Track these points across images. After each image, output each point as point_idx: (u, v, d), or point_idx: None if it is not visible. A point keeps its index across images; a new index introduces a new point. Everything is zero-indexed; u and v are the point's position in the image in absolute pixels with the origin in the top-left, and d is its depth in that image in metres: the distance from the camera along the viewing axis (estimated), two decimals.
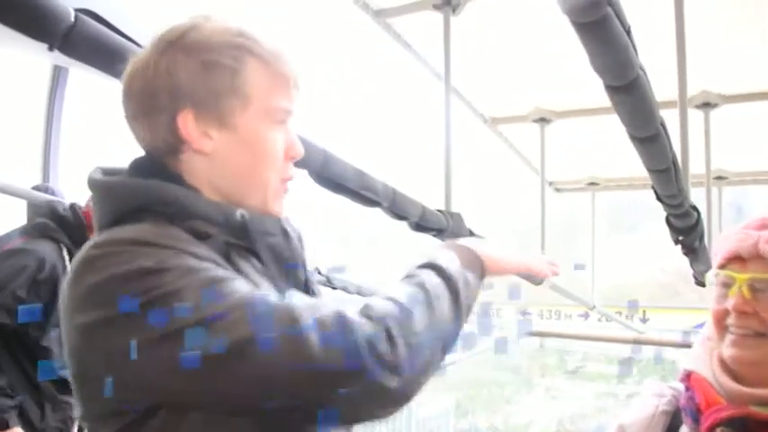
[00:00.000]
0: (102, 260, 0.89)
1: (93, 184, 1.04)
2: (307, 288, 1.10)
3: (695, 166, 4.37)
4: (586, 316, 10.35)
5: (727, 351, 1.21)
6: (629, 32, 1.40)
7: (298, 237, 1.11)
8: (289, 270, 1.07)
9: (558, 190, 6.24)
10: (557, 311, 11.97)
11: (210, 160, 1.03)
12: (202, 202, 1.00)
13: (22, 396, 2.38)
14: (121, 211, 0.99)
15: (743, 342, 1.19)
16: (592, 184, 6.08)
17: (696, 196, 4.55)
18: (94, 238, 0.96)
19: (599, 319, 9.59)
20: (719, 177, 5.48)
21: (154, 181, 1.00)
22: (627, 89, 1.54)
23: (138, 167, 1.05)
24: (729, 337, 1.21)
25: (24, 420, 2.40)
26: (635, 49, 1.48)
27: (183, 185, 1.02)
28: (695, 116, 4.23)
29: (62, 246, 2.60)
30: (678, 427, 1.29)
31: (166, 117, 1.01)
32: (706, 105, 4.19)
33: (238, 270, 0.97)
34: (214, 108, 1.01)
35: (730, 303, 1.20)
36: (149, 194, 0.99)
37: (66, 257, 2.57)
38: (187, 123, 1.01)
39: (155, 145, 1.04)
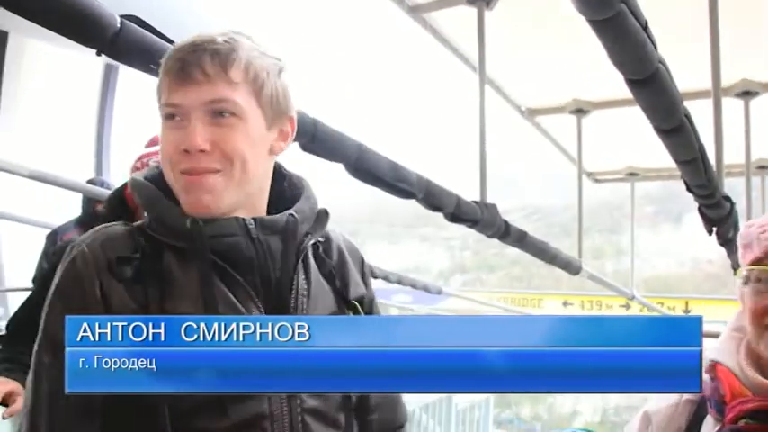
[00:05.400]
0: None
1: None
2: (280, 282, 1.13)
3: (737, 156, 4.34)
4: (628, 306, 10.25)
5: None
6: (645, 27, 1.45)
7: (279, 233, 1.14)
8: (254, 267, 1.11)
9: (596, 180, 6.21)
10: (598, 302, 11.88)
11: None
12: (162, 206, 1.12)
13: None
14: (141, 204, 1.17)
15: None
16: (631, 174, 6.03)
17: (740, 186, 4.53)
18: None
19: (640, 310, 9.49)
20: (763, 167, 5.40)
21: (144, 183, 1.15)
22: (646, 83, 1.58)
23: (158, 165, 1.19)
24: None
25: None
26: (654, 44, 1.52)
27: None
28: (736, 105, 4.20)
29: None
30: (703, 416, 1.29)
31: None
32: (746, 94, 4.15)
33: (167, 269, 1.08)
34: None
35: None
36: (140, 194, 1.15)
37: None
38: None
39: None
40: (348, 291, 1.22)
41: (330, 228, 1.26)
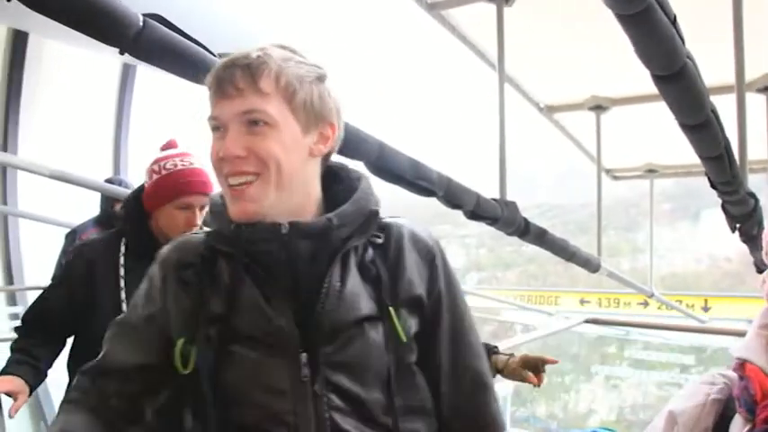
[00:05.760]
0: None
1: None
2: (310, 284, 1.18)
3: (759, 152, 4.27)
4: (646, 304, 10.18)
5: None
6: (674, 22, 1.42)
7: (313, 237, 1.18)
8: (285, 270, 1.18)
9: (615, 177, 6.15)
10: (615, 299, 11.79)
11: None
12: (218, 215, 1.23)
13: None
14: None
15: None
16: (650, 171, 5.96)
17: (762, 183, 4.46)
18: None
19: (659, 308, 9.40)
20: None
21: (215, 197, 1.26)
22: (673, 78, 1.56)
23: None
24: None
25: None
26: (682, 38, 1.50)
27: None
28: (757, 101, 4.14)
29: (123, 235, 2.44)
30: (731, 416, 1.27)
31: None
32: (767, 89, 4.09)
33: (219, 272, 1.21)
34: None
35: None
36: (210, 205, 1.29)
37: (123, 247, 2.40)
38: None
39: None
40: (396, 293, 1.23)
41: (401, 223, 1.29)
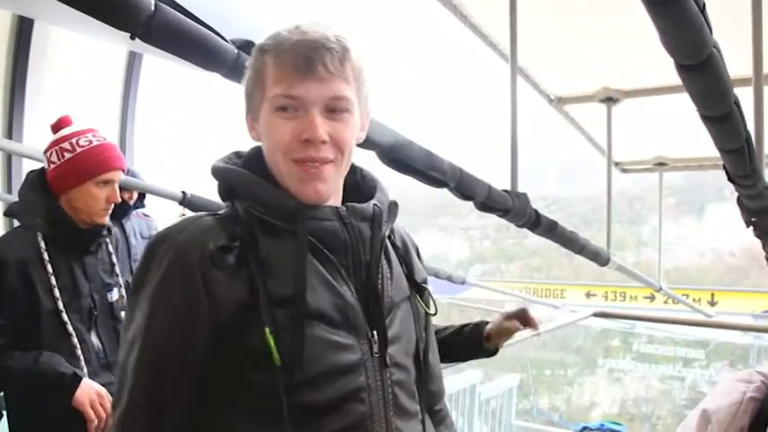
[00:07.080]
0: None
1: (211, 169, 1.27)
2: (370, 265, 1.22)
3: None
4: (652, 298, 10.16)
5: None
6: (703, 10, 1.38)
7: (368, 220, 1.23)
8: (347, 250, 1.20)
9: (624, 170, 6.11)
10: (622, 293, 11.78)
11: (263, 146, 1.24)
12: (265, 190, 1.19)
13: None
14: (223, 190, 1.24)
15: None
16: (659, 164, 5.92)
17: None
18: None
19: (665, 302, 9.38)
20: None
21: (240, 170, 1.23)
22: (699, 68, 1.51)
23: (247, 155, 1.29)
24: None
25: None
26: (709, 27, 1.45)
27: (265, 169, 1.22)
28: None
29: (36, 230, 2.25)
30: None
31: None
32: None
33: (265, 253, 1.13)
34: (251, 103, 1.23)
35: None
36: (234, 180, 1.22)
37: (42, 242, 2.21)
38: (246, 117, 1.26)
39: None
40: (415, 275, 1.33)
41: None
